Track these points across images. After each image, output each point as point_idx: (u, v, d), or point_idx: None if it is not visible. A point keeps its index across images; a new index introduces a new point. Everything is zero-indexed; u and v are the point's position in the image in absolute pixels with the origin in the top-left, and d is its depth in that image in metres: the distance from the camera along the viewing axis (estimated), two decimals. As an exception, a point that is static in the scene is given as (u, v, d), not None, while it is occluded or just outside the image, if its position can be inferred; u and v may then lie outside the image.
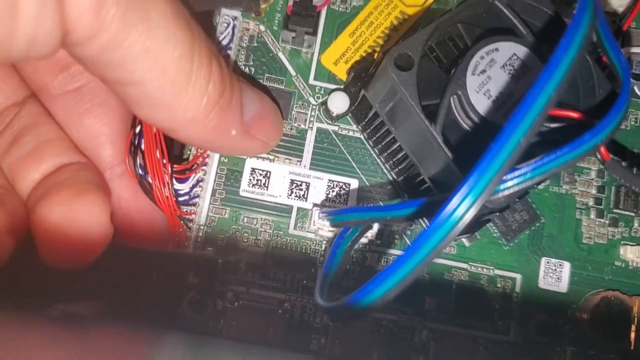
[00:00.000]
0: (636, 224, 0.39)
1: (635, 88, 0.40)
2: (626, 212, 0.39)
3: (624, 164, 0.38)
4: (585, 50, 0.31)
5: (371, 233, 0.37)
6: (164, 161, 0.33)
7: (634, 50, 0.39)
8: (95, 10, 0.21)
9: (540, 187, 0.39)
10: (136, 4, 0.22)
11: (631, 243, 0.39)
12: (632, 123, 0.40)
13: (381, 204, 0.38)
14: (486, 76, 0.32)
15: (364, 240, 0.37)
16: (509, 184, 0.26)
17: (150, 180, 0.32)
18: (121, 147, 0.32)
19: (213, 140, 0.29)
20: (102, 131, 0.31)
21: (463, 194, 0.21)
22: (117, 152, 0.31)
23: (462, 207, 0.22)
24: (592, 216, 0.39)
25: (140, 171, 0.32)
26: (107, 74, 0.24)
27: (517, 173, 0.26)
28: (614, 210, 0.39)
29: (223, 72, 0.27)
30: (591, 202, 0.39)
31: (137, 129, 0.32)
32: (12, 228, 0.26)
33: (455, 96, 0.32)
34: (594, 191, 0.39)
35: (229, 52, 0.36)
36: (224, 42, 0.36)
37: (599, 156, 0.32)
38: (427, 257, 0.22)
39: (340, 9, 0.40)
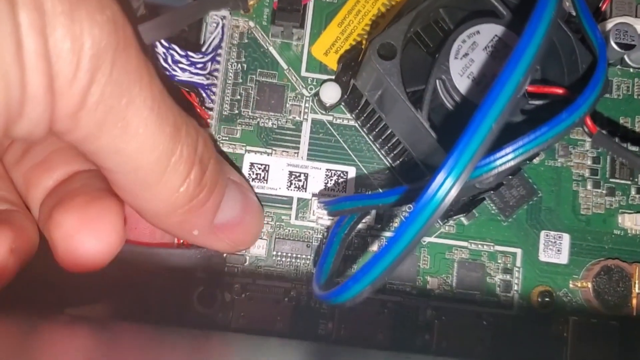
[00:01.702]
0: (633, 192, 0.40)
1: (625, 57, 0.40)
2: (622, 181, 0.40)
3: (616, 139, 0.39)
4: (559, 28, 0.32)
5: (370, 218, 0.38)
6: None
7: (621, 20, 0.39)
8: (73, 114, 0.23)
9: (535, 161, 0.40)
10: (116, 111, 0.23)
11: (629, 211, 0.39)
12: (624, 92, 0.40)
13: (380, 190, 0.39)
14: (469, 59, 0.32)
15: (363, 225, 0.38)
16: (492, 165, 0.26)
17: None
18: None
19: (173, 233, 0.32)
20: None
21: (438, 183, 0.22)
22: None
23: (440, 193, 0.23)
24: (589, 187, 0.40)
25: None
26: (85, 154, 0.26)
27: (498, 154, 0.26)
28: (610, 180, 0.40)
29: (204, 176, 0.28)
30: (587, 173, 0.40)
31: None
32: (17, 248, 0.27)
33: (440, 81, 0.33)
34: (589, 162, 0.40)
35: (220, 51, 0.37)
36: (214, 43, 0.37)
37: (586, 129, 0.33)
38: (408, 245, 0.23)
39: (327, -1, 0.40)
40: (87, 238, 0.27)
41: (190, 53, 0.35)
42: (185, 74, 0.35)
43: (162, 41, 0.34)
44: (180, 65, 0.34)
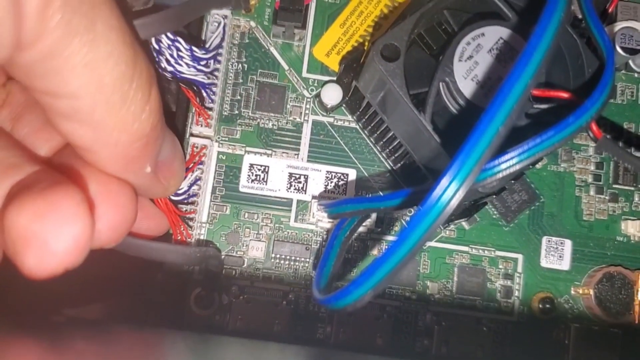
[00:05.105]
0: (636, 199, 0.39)
1: (630, 62, 0.39)
2: (626, 187, 0.39)
3: (620, 144, 0.38)
4: (565, 31, 0.31)
5: (371, 221, 0.38)
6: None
7: (627, 24, 0.38)
8: (40, 14, 0.20)
9: (538, 166, 0.39)
10: (83, 12, 0.21)
11: (632, 218, 0.39)
12: (629, 97, 0.40)
13: (380, 193, 0.38)
14: (473, 62, 0.32)
15: (363, 228, 0.37)
16: (496, 169, 0.26)
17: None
18: None
19: (126, 172, 0.27)
20: None
21: (443, 186, 0.22)
22: None
23: (445, 196, 0.22)
24: (592, 193, 0.39)
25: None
26: (37, 84, 0.23)
27: (503, 158, 0.26)
28: (614, 186, 0.39)
29: (160, 103, 0.26)
30: (590, 179, 0.39)
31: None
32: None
33: (443, 83, 0.32)
34: (592, 168, 0.39)
35: (221, 51, 0.37)
36: (216, 42, 0.36)
37: (591, 134, 0.32)
38: (412, 250, 0.22)
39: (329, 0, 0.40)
40: (104, 210, 0.25)
41: (194, 48, 0.34)
42: (190, 70, 0.34)
43: (168, 34, 0.33)
44: (184, 60, 0.34)
